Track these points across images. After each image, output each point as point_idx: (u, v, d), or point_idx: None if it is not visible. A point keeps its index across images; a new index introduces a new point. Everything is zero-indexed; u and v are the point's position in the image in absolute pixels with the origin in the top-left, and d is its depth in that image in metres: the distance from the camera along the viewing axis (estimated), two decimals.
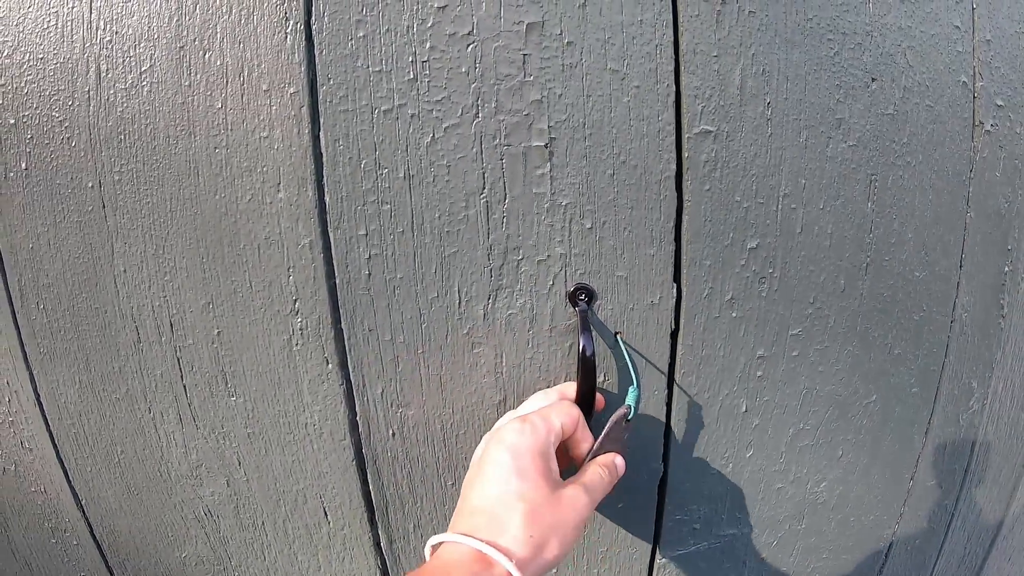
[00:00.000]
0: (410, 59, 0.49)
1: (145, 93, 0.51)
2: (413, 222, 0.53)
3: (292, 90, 0.50)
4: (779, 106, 0.54)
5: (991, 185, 0.61)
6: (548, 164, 0.51)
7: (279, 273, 0.54)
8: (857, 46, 0.54)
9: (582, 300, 0.54)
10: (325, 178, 0.52)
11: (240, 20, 0.49)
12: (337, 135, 0.51)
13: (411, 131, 0.51)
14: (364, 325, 0.55)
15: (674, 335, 0.57)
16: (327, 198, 0.52)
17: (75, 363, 0.59)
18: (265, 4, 0.49)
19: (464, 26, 0.49)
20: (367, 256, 0.53)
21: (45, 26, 0.50)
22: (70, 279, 0.56)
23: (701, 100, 0.52)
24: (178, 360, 0.57)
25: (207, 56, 0.50)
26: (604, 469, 0.51)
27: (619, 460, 0.53)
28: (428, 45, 0.49)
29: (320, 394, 0.57)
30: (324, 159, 0.51)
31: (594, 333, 0.54)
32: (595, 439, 0.52)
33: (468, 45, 0.49)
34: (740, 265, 0.58)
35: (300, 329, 0.55)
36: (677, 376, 0.61)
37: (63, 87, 0.51)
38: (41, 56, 0.51)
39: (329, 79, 0.50)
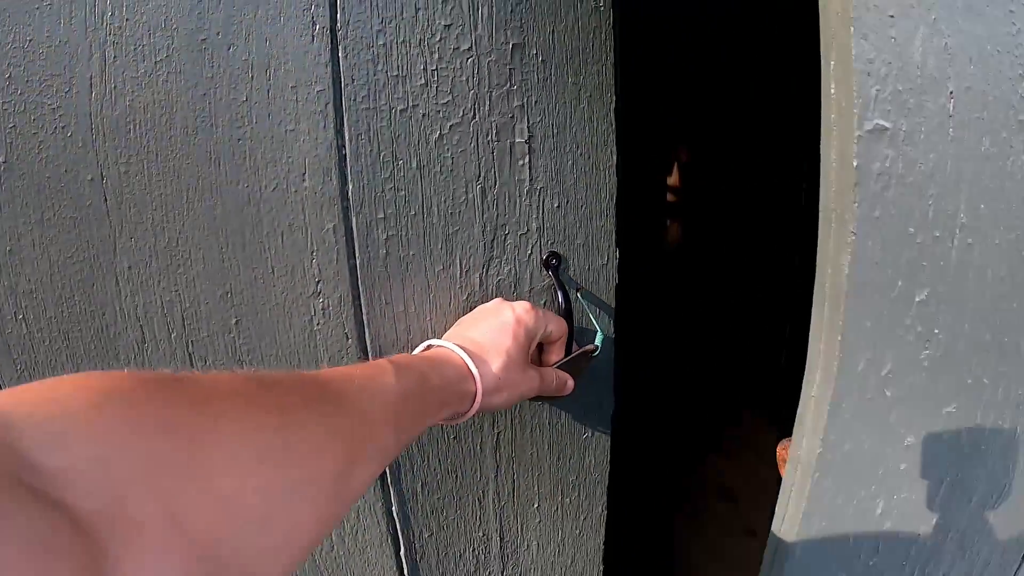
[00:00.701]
0: (422, 67, 0.58)
1: (160, 83, 0.52)
2: (423, 206, 0.61)
3: (319, 88, 0.55)
4: (962, 98, 0.42)
5: None
6: (527, 157, 0.64)
7: (302, 258, 0.58)
8: None
9: (553, 264, 0.68)
10: (348, 168, 0.58)
11: (266, 20, 0.53)
12: (359, 130, 0.57)
13: (422, 128, 0.60)
14: (381, 299, 0.61)
15: (617, 288, 0.74)
16: (349, 186, 0.58)
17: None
18: (292, 7, 0.54)
19: (465, 43, 0.59)
20: (385, 237, 0.60)
21: (37, 4, 0.48)
22: (59, 283, 0.52)
23: (875, 79, 0.41)
24: (190, 355, 0.57)
25: (231, 51, 0.53)
26: (559, 378, 0.65)
27: (571, 382, 0.67)
28: (436, 56, 0.59)
29: None
30: (347, 151, 0.57)
31: (568, 290, 0.68)
32: (565, 356, 0.66)
33: (468, 58, 0.60)
34: (904, 325, 0.48)
35: (322, 309, 0.60)
36: (811, 479, 0.54)
37: (58, 72, 0.49)
38: (30, 37, 0.48)
39: (353, 80, 0.56)
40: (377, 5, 0.56)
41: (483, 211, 0.64)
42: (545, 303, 0.69)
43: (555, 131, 0.65)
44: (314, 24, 0.54)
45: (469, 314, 0.63)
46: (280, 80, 0.54)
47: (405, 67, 0.58)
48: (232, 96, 0.53)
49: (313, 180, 0.57)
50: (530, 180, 0.65)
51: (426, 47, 0.58)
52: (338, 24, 0.55)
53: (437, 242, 0.63)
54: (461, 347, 0.54)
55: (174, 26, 0.51)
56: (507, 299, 0.67)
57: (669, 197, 2.90)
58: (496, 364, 0.55)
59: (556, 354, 0.66)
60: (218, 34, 0.52)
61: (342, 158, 0.57)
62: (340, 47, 0.55)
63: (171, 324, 0.56)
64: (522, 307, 0.60)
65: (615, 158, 0.69)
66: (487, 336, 0.57)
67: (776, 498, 0.62)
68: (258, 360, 0.59)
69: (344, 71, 0.56)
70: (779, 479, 0.63)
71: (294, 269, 0.58)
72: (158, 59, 0.51)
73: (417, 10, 0.57)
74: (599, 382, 0.76)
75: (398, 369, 0.46)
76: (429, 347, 0.56)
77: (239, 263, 0.56)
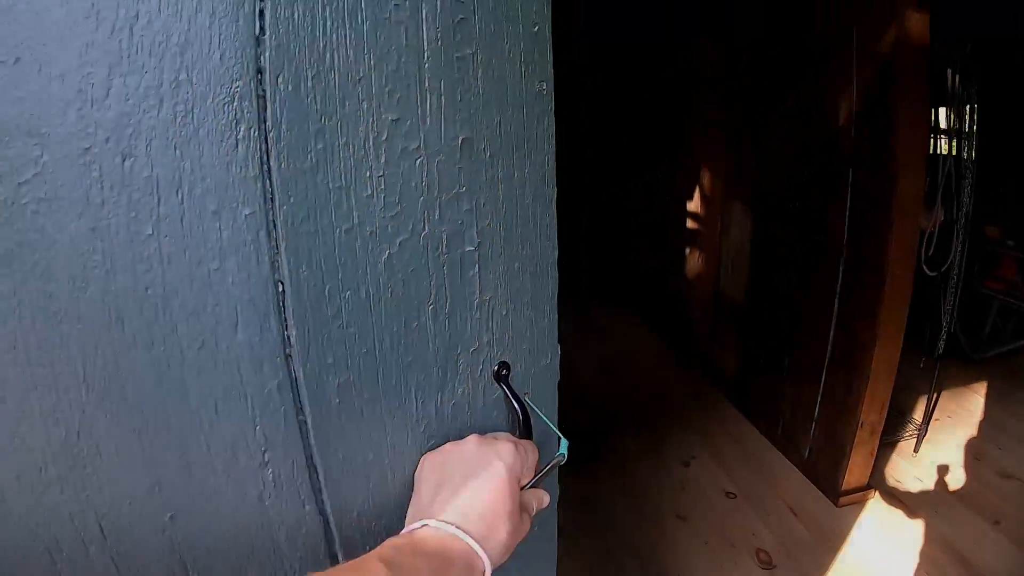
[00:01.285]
0: (367, 174, 0.48)
1: (28, 216, 0.35)
2: (375, 340, 0.51)
3: (247, 211, 0.43)
4: None
5: None
6: (476, 266, 0.57)
7: (244, 427, 0.44)
8: None
9: (503, 376, 0.61)
10: (288, 310, 0.45)
11: (175, 119, 0.39)
12: (300, 261, 0.45)
13: (370, 249, 0.49)
14: (338, 454, 0.49)
15: (559, 384, 0.69)
16: (291, 332, 0.45)
17: None
18: (209, 101, 0.40)
19: (414, 140, 0.50)
20: (336, 384, 0.48)
21: None
22: None
23: None
24: (117, 567, 0.40)
25: (127, 164, 0.38)
26: (537, 499, 0.60)
27: (546, 496, 0.63)
28: (383, 159, 0.49)
29: (299, 540, 0.48)
30: (285, 288, 0.45)
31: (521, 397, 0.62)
32: (535, 475, 0.61)
33: (417, 159, 0.51)
34: None
35: (272, 480, 0.46)
36: None
37: None
38: None
39: (289, 197, 0.44)
40: (315, 97, 0.44)
41: (436, 334, 0.55)
42: (497, 414, 0.62)
43: (503, 234, 0.58)
44: (237, 124, 0.41)
45: (450, 464, 0.54)
46: (197, 203, 0.40)
47: (349, 175, 0.47)
48: (133, 229, 0.38)
49: (248, 331, 0.43)
50: (479, 291, 0.58)
51: (371, 148, 0.48)
52: (267, 122, 0.42)
53: (391, 377, 0.52)
54: (465, 531, 0.47)
55: (44, 129, 0.34)
56: (461, 420, 0.59)
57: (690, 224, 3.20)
58: (502, 534, 0.49)
59: (527, 476, 0.60)
60: (107, 140, 0.37)
61: (280, 297, 0.45)
62: (272, 153, 0.43)
63: (86, 538, 0.39)
64: (508, 452, 0.53)
65: (555, 254, 0.65)
66: (487, 505, 0.49)
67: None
68: (203, 554, 0.44)
69: (278, 186, 0.43)
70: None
71: (235, 442, 0.44)
72: (22, 179, 0.34)
73: (361, 102, 0.46)
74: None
75: (395, 574, 0.40)
76: (424, 525, 0.46)
77: (165, 447, 0.41)
